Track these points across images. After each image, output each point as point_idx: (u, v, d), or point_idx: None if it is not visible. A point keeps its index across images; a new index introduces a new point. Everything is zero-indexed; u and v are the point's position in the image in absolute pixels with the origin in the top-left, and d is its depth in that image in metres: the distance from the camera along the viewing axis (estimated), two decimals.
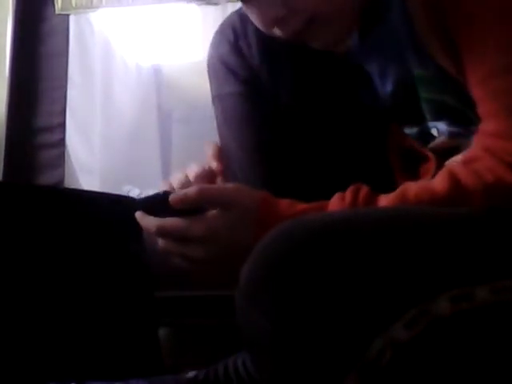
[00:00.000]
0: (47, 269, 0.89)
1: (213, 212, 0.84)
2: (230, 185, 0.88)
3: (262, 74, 0.98)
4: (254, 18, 0.92)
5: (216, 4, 2.19)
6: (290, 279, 0.58)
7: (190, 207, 0.84)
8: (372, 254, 0.58)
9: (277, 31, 0.88)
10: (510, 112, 0.74)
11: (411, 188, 0.76)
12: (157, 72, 2.82)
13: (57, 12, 2.37)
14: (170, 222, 0.85)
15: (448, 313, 0.55)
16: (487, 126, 0.76)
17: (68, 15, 2.39)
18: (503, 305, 0.56)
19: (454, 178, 0.74)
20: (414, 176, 0.88)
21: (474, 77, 0.78)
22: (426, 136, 0.91)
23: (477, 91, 0.78)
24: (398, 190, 0.77)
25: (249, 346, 0.64)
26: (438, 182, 0.75)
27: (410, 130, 0.94)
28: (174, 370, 0.91)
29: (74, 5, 2.37)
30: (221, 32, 1.00)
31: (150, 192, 2.37)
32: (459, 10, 0.77)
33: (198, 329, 1.15)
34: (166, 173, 2.78)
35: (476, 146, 0.76)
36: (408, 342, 0.55)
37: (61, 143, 2.35)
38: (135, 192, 2.51)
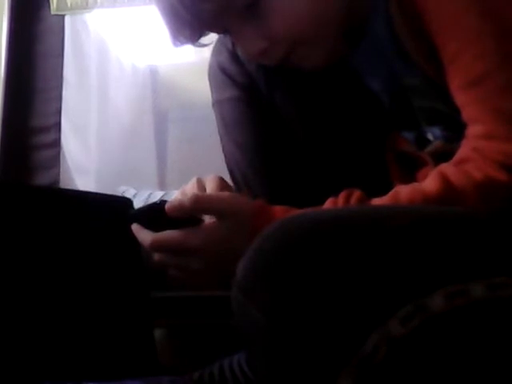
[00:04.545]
0: (42, 269, 0.89)
1: (208, 222, 0.84)
2: (225, 193, 0.89)
3: (258, 80, 0.99)
4: (239, 50, 0.95)
5: None
6: (286, 274, 0.58)
7: (186, 216, 0.84)
8: (368, 250, 0.58)
9: (264, 60, 0.91)
10: (495, 115, 0.75)
11: (403, 190, 0.77)
12: (152, 72, 2.83)
13: (52, 12, 2.37)
14: (166, 234, 0.85)
15: (443, 309, 0.55)
16: (474, 129, 0.77)
17: (63, 16, 2.39)
18: (499, 301, 0.57)
19: (444, 179, 0.74)
20: (411, 180, 0.88)
21: (455, 84, 0.79)
22: (423, 140, 0.92)
23: (459, 98, 0.79)
24: (391, 193, 0.77)
25: (244, 341, 0.64)
26: (429, 184, 0.75)
27: (407, 135, 0.94)
28: (169, 371, 0.92)
29: (69, 5, 2.37)
30: (220, 40, 1.02)
31: (145, 193, 2.36)
32: (436, 20, 0.79)
33: (193, 329, 1.15)
34: (161, 173, 2.79)
35: (465, 147, 0.77)
36: (403, 338, 0.55)
37: (56, 143, 2.35)
38: (131, 192, 2.51)
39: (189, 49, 0.93)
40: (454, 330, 0.56)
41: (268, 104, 1.01)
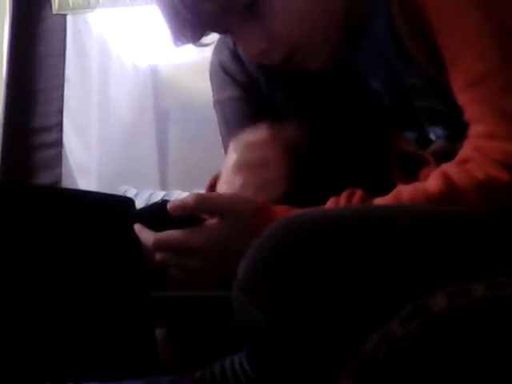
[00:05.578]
0: (43, 268, 0.89)
1: (210, 222, 0.85)
2: (227, 193, 0.89)
3: (259, 80, 0.99)
4: (240, 50, 0.95)
5: None
6: (287, 274, 0.58)
7: (188, 215, 0.84)
8: (369, 250, 0.58)
9: (264, 61, 0.91)
10: (496, 114, 0.75)
11: (405, 190, 0.77)
12: (153, 72, 2.83)
13: (54, 12, 2.38)
14: (168, 234, 0.85)
15: (444, 309, 0.55)
16: (476, 129, 0.77)
17: (65, 15, 2.39)
18: (499, 301, 0.57)
19: (446, 179, 0.74)
20: (413, 180, 0.88)
21: (457, 84, 0.79)
22: (425, 140, 0.92)
23: (461, 97, 0.79)
24: (392, 193, 0.77)
25: (245, 341, 0.64)
26: (431, 183, 0.75)
27: (408, 135, 0.95)
28: (169, 371, 0.91)
29: (71, 5, 2.37)
30: (222, 39, 1.01)
31: (147, 193, 2.36)
32: (437, 19, 0.79)
33: (193, 329, 1.15)
34: (162, 172, 2.79)
35: (467, 147, 0.77)
36: (404, 338, 0.55)
37: (58, 143, 2.35)
38: (132, 192, 2.51)
39: (190, 48, 0.93)
40: (454, 330, 0.56)
41: (269, 103, 1.01)
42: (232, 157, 0.93)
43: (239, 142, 0.93)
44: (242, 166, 0.91)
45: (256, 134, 0.93)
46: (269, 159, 0.92)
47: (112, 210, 0.97)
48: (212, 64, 1.05)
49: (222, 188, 0.93)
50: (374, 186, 0.80)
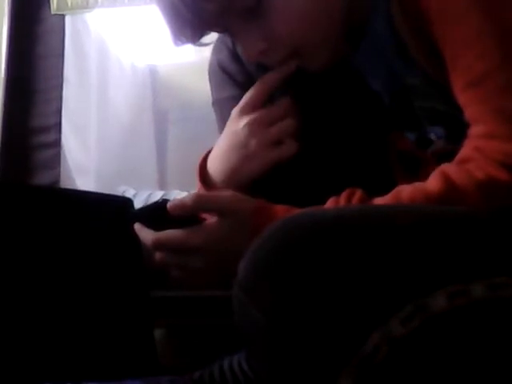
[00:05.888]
0: (42, 269, 0.89)
1: (210, 221, 0.85)
2: (226, 192, 0.89)
3: (258, 79, 0.99)
4: (239, 50, 0.94)
5: None
6: (287, 274, 0.58)
7: (187, 215, 0.85)
8: (369, 250, 0.59)
9: (265, 60, 0.91)
10: (496, 114, 0.75)
11: (405, 190, 0.77)
12: (152, 72, 2.82)
13: (52, 12, 2.37)
14: (167, 233, 0.86)
15: (444, 309, 0.55)
16: (476, 129, 0.77)
17: (64, 15, 2.39)
18: (499, 301, 0.57)
19: (446, 178, 0.75)
20: (415, 180, 0.89)
21: (457, 84, 0.79)
22: (425, 140, 0.92)
23: (461, 97, 0.79)
24: (392, 193, 0.77)
25: (245, 341, 0.64)
26: (431, 183, 0.75)
27: (409, 135, 0.95)
28: (169, 371, 0.91)
29: (69, 5, 2.37)
30: (221, 39, 1.01)
31: (145, 193, 2.36)
32: (438, 19, 0.79)
33: (193, 329, 1.15)
34: (161, 173, 2.78)
35: (467, 147, 0.77)
36: (404, 338, 0.55)
37: (56, 143, 2.35)
38: (130, 192, 2.51)
39: (188, 48, 0.93)
40: (454, 330, 0.56)
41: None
42: (239, 121, 0.93)
43: (241, 107, 0.93)
44: (255, 125, 0.91)
45: (252, 94, 0.93)
46: (278, 112, 0.92)
47: (110, 211, 0.97)
48: (211, 64, 1.05)
49: (230, 156, 0.93)
50: (374, 186, 0.80)
